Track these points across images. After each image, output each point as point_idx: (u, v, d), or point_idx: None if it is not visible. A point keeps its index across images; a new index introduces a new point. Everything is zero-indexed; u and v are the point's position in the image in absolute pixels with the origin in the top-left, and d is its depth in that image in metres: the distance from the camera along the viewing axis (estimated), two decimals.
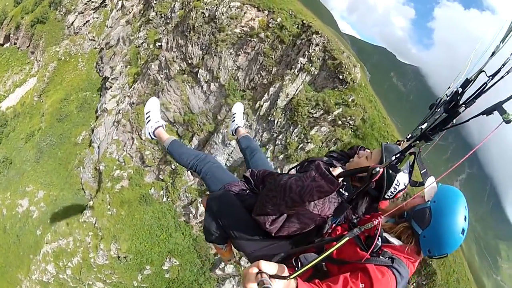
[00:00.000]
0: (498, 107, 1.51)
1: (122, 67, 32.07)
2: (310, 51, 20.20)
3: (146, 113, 3.79)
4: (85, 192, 32.68)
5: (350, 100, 19.86)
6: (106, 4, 48.35)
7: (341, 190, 2.27)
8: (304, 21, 21.28)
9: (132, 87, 28.98)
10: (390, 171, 2.11)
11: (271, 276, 1.32)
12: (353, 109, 19.70)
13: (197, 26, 24.12)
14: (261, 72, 22.57)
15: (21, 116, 45.54)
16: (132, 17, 38.26)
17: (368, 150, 2.54)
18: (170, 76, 25.74)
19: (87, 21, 48.06)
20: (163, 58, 26.35)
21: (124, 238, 26.28)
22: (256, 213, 2.30)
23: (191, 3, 24.63)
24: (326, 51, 19.72)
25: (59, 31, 49.13)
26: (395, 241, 1.97)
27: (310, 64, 20.13)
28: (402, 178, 2.17)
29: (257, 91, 22.88)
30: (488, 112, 1.54)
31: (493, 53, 1.61)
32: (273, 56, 22.06)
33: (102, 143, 29.64)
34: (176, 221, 26.08)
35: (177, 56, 25.56)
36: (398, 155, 1.94)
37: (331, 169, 1.99)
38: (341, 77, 19.84)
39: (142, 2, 38.55)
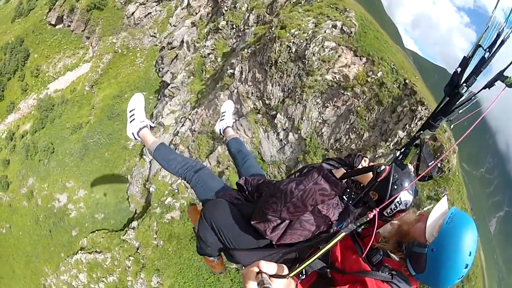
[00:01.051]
0: (499, 76, 1.50)
1: (184, 77, 29.52)
2: (412, 125, 17.10)
3: (130, 111, 3.43)
4: (130, 205, 30.82)
5: (442, 194, 16.97)
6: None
7: (344, 196, 2.13)
8: (407, 81, 17.92)
9: (195, 110, 26.38)
10: (395, 187, 1.87)
11: (271, 276, 1.30)
12: None
13: (280, 62, 20.98)
14: (350, 133, 19.44)
15: (70, 104, 44.33)
16: (199, 20, 35.56)
17: (367, 159, 2.40)
18: (242, 113, 22.95)
19: (148, 13, 45.88)
20: (235, 90, 23.52)
21: (168, 274, 24.11)
22: (255, 220, 2.17)
23: (273, 29, 21.39)
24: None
25: (118, 20, 47.29)
26: (396, 257, 1.88)
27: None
28: (405, 197, 1.93)
29: (341, 154, 19.67)
30: (490, 84, 1.53)
31: (487, 27, 1.51)
32: (367, 118, 18.93)
33: (155, 161, 27.31)
34: (227, 267, 23.57)
35: (252, 92, 22.66)
36: (403, 149, 1.90)
37: (333, 171, 1.98)
38: (439, 164, 16.33)
39: (210, 5, 35.75)
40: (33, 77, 48.76)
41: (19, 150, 42.73)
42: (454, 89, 1.64)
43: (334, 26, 19.90)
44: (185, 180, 2.95)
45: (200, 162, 3.73)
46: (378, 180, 1.84)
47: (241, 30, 29.29)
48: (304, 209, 1.96)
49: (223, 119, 4.13)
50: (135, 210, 29.64)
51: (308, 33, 19.91)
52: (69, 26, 52.03)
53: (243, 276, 1.34)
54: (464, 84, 1.59)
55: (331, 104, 19.86)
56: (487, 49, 1.55)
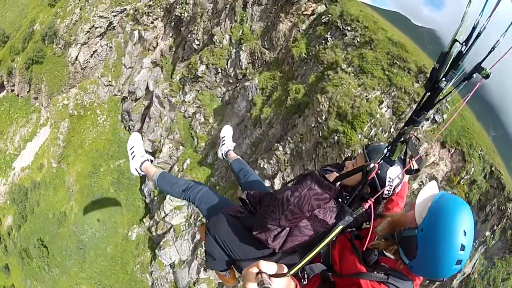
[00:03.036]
0: (477, 69, 1.56)
1: (171, 149, 22.65)
2: (500, 225, 14.80)
3: (130, 149, 3.66)
4: None
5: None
6: (114, 27, 37.24)
7: (339, 199, 2.15)
8: (493, 168, 15.02)
9: None
10: (379, 172, 2.01)
11: (271, 276, 1.29)
12: None
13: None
14: None
15: (42, 187, 37.62)
16: (160, 57, 27.79)
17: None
18: None
19: (94, 51, 37.45)
20: None
21: None
22: (257, 231, 2.20)
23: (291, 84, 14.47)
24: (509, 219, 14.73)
25: (62, 69, 38.86)
26: (391, 252, 1.81)
27: (492, 236, 15.33)
28: (393, 173, 2.06)
29: None
30: (469, 77, 1.59)
31: (462, 19, 1.53)
32: None
33: (181, 272, 21.25)
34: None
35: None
36: (390, 146, 1.93)
37: (326, 175, 2.08)
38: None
39: (170, 34, 27.75)
40: None
41: (12, 251, 37.31)
42: (434, 84, 1.65)
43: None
44: (189, 201, 3.01)
45: (201, 183, 3.43)
46: (369, 178, 1.88)
47: (231, 75, 22.00)
48: (302, 215, 1.98)
49: (224, 143, 4.17)
50: None
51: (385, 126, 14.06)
52: (12, 91, 43.62)
53: (243, 276, 1.31)
54: (444, 79, 1.60)
55: None
56: (463, 43, 1.56)
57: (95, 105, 33.50)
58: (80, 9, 37.63)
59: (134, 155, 3.58)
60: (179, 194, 3.09)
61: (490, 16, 1.48)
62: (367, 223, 2.05)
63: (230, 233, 2.46)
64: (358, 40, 18.20)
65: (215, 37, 22.01)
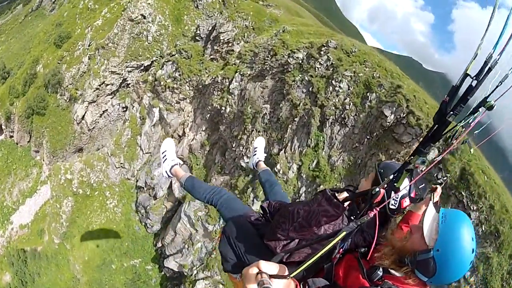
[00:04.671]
0: (482, 102, 1.61)
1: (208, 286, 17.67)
2: None
3: (162, 153, 3.96)
4: None
5: None
6: (128, 84, 31.59)
7: (349, 216, 2.17)
8: None
9: None
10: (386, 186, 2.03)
11: (271, 276, 1.30)
12: None
13: None
14: None
15: (43, 260, 33.53)
16: (189, 154, 22.43)
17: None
18: None
19: (104, 111, 32.06)
20: None
21: None
22: (267, 238, 2.27)
23: None
24: None
25: (67, 126, 33.73)
26: (397, 273, 1.83)
27: None
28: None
29: None
30: (475, 110, 1.65)
31: (476, 55, 1.55)
32: None
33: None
34: None
35: None
36: (396, 174, 1.96)
37: (337, 194, 2.04)
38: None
39: (204, 128, 22.17)
40: None
41: None
42: (442, 118, 1.68)
43: None
44: (211, 204, 3.16)
45: (224, 189, 3.77)
46: (374, 201, 1.93)
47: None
48: (310, 229, 2.02)
49: (255, 154, 4.44)
50: None
51: None
52: (11, 137, 38.76)
53: (243, 276, 1.32)
54: (451, 113, 1.62)
55: None
56: (474, 77, 1.58)
57: (103, 186, 28.56)
58: (89, 59, 31.92)
59: (166, 159, 3.87)
60: (203, 197, 3.24)
61: (502, 51, 1.46)
62: (375, 241, 2.02)
63: (244, 237, 2.52)
64: (483, 229, 13.48)
65: (278, 166, 16.68)
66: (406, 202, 2.15)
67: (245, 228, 2.59)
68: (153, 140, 25.38)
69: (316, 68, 19.18)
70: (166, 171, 3.84)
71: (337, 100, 17.01)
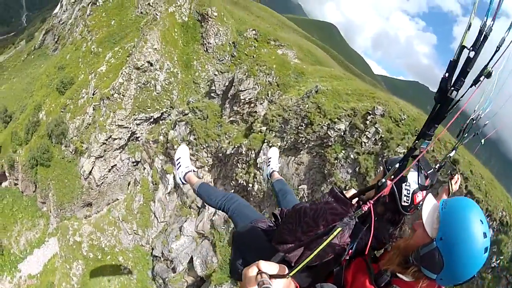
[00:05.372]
0: (483, 71, 1.56)
1: None
2: None
3: (177, 159, 3.99)
4: None
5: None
6: (137, 137, 29.45)
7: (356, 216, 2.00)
8: None
9: None
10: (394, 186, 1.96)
11: (271, 276, 1.29)
12: None
13: None
14: None
15: None
16: (211, 230, 20.31)
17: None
18: None
19: (113, 166, 30.01)
20: None
21: None
22: (275, 241, 2.19)
23: None
24: None
25: (74, 179, 31.79)
26: (406, 278, 1.70)
27: None
28: (409, 177, 1.99)
29: None
30: (476, 81, 1.59)
31: (470, 26, 1.51)
32: None
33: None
34: None
35: None
36: (401, 162, 1.87)
37: (344, 191, 2.01)
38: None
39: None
40: None
41: None
42: (444, 95, 1.62)
43: None
44: (223, 210, 3.14)
45: (237, 195, 3.64)
46: (380, 194, 1.80)
47: None
48: (317, 229, 1.92)
49: (269, 164, 4.47)
50: None
51: None
52: (16, 184, 37.05)
53: (243, 276, 1.32)
54: (452, 88, 1.58)
55: None
56: (471, 48, 1.54)
57: (116, 251, 26.67)
58: (94, 109, 29.74)
59: (180, 165, 3.90)
60: (215, 203, 3.25)
61: (494, 16, 1.44)
62: (389, 242, 2.04)
63: (253, 243, 2.47)
64: None
65: None
66: (419, 197, 2.00)
67: (256, 234, 2.50)
68: (169, 209, 23.29)
69: (363, 143, 16.82)
70: (180, 178, 3.87)
71: None
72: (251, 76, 22.71)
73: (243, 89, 22.11)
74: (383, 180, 1.75)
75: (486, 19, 1.46)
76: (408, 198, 1.97)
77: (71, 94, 31.77)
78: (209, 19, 30.99)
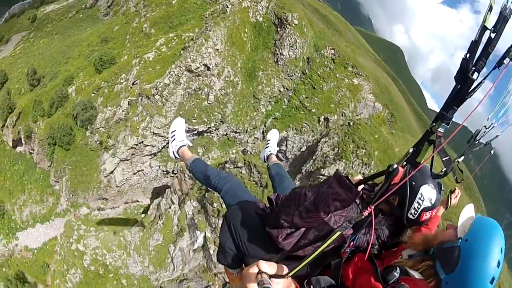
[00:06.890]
0: (507, 53, 1.51)
1: None
2: None
3: (171, 132, 3.71)
4: None
5: None
6: (168, 141, 24.96)
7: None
8: None
9: None
10: (413, 183, 1.89)
11: (271, 276, 1.28)
12: None
13: None
14: None
15: None
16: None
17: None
18: None
19: (140, 171, 25.91)
20: None
21: None
22: (269, 225, 2.02)
23: None
24: None
25: (92, 172, 28.08)
26: (416, 275, 1.69)
27: None
28: (427, 192, 1.89)
29: None
30: (499, 63, 1.54)
31: (491, 8, 1.47)
32: None
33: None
34: None
35: None
36: (416, 146, 1.86)
37: (350, 177, 1.85)
38: None
39: None
40: None
41: None
42: (465, 75, 1.58)
43: None
44: (216, 189, 2.93)
45: (231, 174, 3.61)
46: (391, 182, 1.62)
47: None
48: (317, 215, 1.78)
49: (268, 146, 4.21)
50: None
51: None
52: (31, 153, 33.89)
53: (243, 276, 1.30)
54: (474, 68, 1.53)
55: None
56: (493, 29, 1.50)
57: (121, 272, 23.11)
58: (129, 104, 25.21)
59: (174, 138, 3.61)
60: (208, 181, 2.99)
61: None
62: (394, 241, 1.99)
63: (246, 226, 2.30)
64: None
65: None
66: (427, 215, 1.93)
67: (249, 216, 2.31)
68: (190, 265, 19.13)
69: None
70: (173, 152, 3.59)
71: None
72: (342, 158, 16.75)
73: (327, 174, 16.10)
74: (395, 165, 1.51)
75: (507, 1, 1.43)
76: (416, 212, 1.89)
77: (108, 76, 27.24)
78: (288, 26, 25.18)
